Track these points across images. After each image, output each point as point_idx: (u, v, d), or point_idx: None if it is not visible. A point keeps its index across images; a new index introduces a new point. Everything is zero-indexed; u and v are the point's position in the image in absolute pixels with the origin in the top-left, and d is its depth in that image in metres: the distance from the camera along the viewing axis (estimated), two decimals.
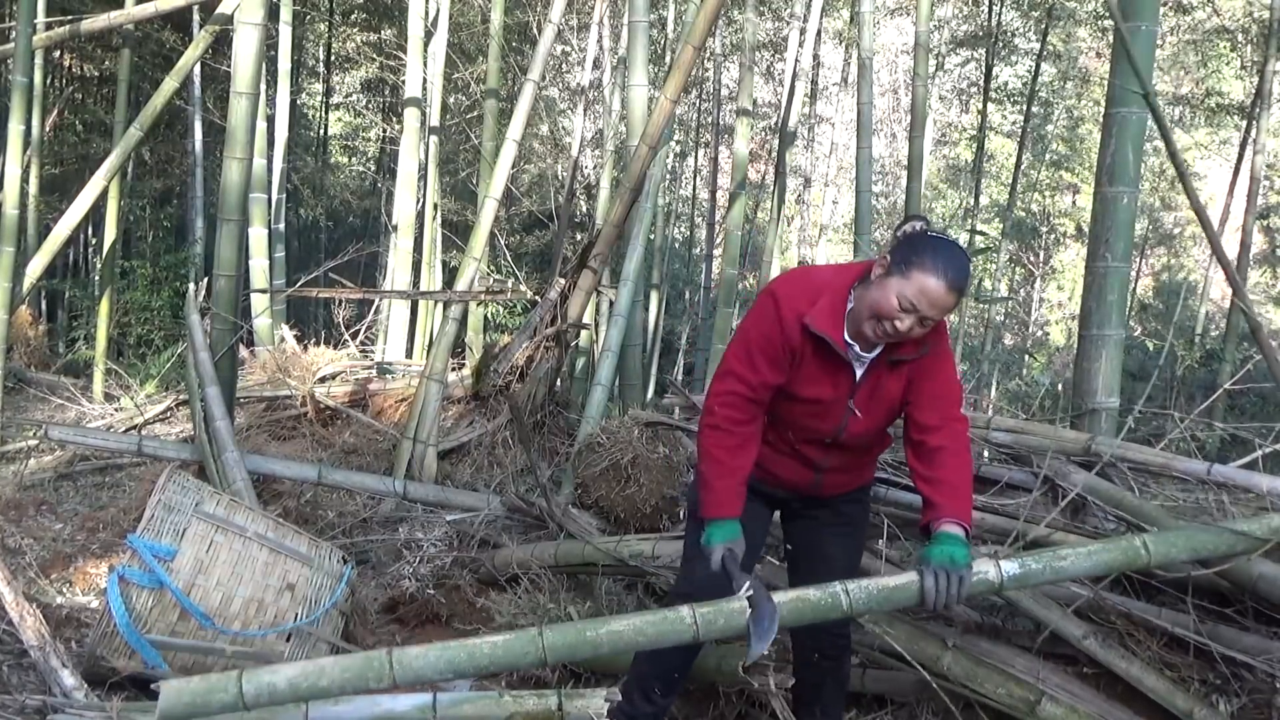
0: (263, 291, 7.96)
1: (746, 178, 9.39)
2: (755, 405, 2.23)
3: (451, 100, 12.32)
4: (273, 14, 8.39)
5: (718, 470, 2.24)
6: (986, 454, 3.60)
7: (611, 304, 5.63)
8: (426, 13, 8.40)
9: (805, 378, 2.18)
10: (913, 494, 3.44)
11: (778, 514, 2.57)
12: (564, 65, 13.34)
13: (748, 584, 2.00)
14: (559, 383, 5.79)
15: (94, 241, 12.34)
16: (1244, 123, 11.97)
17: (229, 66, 5.91)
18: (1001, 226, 15.97)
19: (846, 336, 2.15)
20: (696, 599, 1.99)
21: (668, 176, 14.22)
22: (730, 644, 2.59)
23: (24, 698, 2.47)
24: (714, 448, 2.24)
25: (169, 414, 6.22)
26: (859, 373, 2.19)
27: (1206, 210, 3.33)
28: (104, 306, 8.29)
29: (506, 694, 2.19)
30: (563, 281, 5.47)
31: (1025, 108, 14.45)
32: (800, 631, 2.43)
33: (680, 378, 13.82)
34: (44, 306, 12.15)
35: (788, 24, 12.66)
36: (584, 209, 12.61)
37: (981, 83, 14.90)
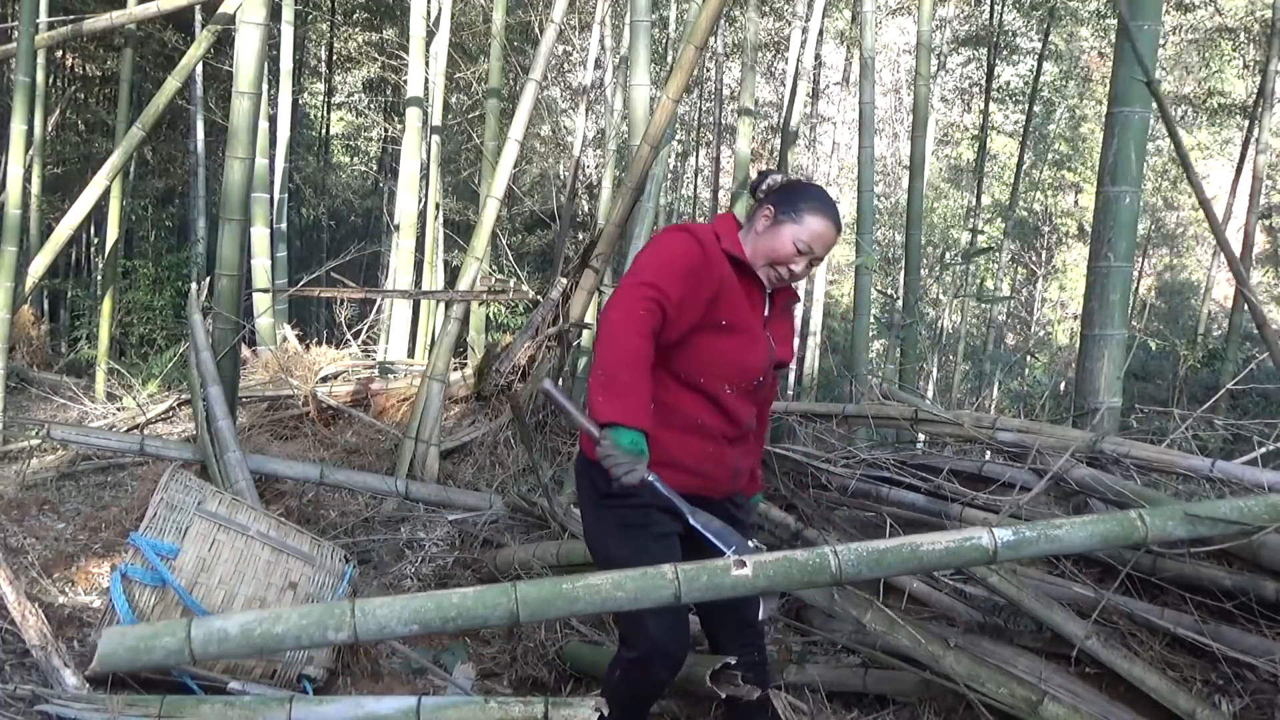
0: (265, 291, 7.97)
1: (749, 177, 9.38)
2: (663, 323, 2.02)
3: (453, 100, 12.33)
4: (275, 14, 8.40)
5: (632, 359, 1.92)
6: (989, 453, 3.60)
7: None
8: (428, 12, 8.41)
9: (734, 305, 2.16)
10: (914, 494, 3.44)
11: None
12: (566, 65, 13.35)
13: (718, 529, 1.98)
14: (561, 382, 5.79)
15: (96, 241, 12.36)
16: (1246, 122, 11.97)
17: (231, 66, 5.91)
18: (1004, 226, 15.97)
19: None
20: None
21: (670, 176, 14.21)
22: (700, 653, 2.51)
23: (14, 686, 2.47)
24: (634, 335, 1.93)
25: (171, 414, 6.23)
26: (766, 303, 2.26)
27: (1211, 205, 3.33)
28: (106, 306, 8.30)
29: (492, 700, 2.17)
30: (565, 281, 5.47)
31: (1027, 107, 14.46)
32: (723, 637, 2.34)
33: None
34: (46, 306, 12.16)
35: (789, 24, 12.66)
36: (586, 209, 12.61)
37: (983, 82, 14.90)
